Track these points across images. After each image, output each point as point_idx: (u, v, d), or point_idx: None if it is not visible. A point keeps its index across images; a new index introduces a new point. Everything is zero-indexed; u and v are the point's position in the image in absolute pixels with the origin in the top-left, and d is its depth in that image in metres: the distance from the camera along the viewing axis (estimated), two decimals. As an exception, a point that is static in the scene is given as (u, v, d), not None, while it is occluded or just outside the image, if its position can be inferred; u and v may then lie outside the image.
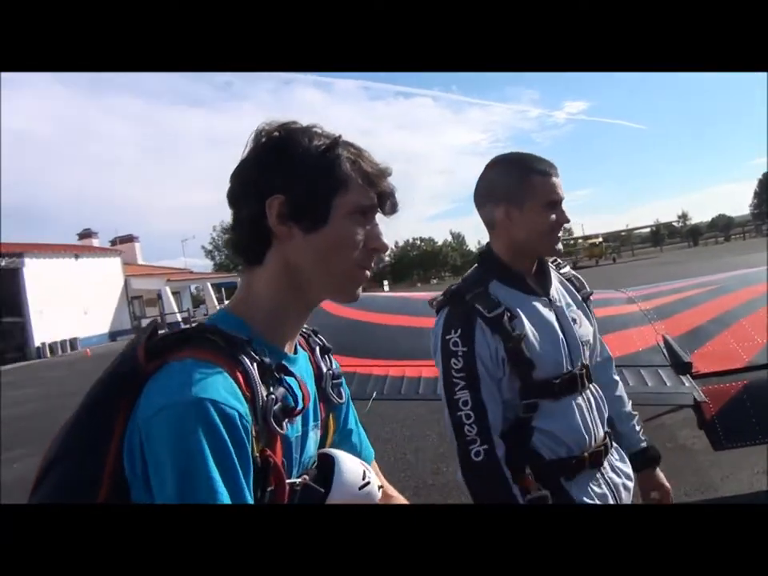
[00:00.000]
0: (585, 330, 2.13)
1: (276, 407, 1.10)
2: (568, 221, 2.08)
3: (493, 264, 2.10)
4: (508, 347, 1.94)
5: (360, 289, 1.26)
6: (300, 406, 1.15)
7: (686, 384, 2.91)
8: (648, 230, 77.60)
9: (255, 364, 1.09)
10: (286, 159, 1.16)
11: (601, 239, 58.24)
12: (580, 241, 64.67)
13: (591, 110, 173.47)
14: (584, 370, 2.06)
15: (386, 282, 71.35)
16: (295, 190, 1.15)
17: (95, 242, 45.98)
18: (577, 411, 2.02)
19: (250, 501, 1.01)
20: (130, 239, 50.23)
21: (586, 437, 2.02)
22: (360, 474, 1.28)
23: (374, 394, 3.32)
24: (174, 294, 45.59)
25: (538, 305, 2.06)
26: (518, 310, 2.00)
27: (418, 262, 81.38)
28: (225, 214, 1.21)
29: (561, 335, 2.05)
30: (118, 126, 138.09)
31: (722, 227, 75.34)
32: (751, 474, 4.72)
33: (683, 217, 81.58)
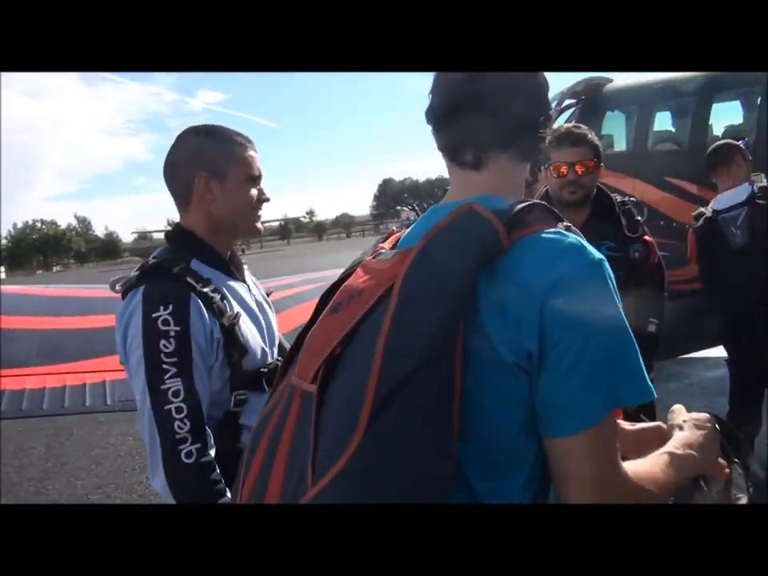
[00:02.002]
0: (275, 324, 2.03)
1: None
2: (268, 199, 1.94)
3: (190, 241, 1.87)
4: (223, 328, 1.75)
5: None
6: None
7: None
8: (277, 223, 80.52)
9: None
10: None
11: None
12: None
13: (227, 102, 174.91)
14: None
15: (1, 269, 65.36)
16: None
17: None
18: None
19: None
20: None
21: None
22: None
23: None
24: None
25: (240, 289, 1.91)
26: (225, 290, 1.81)
27: (39, 246, 75.43)
28: None
29: (263, 323, 1.93)
30: None
31: (345, 225, 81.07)
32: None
33: (310, 213, 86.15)
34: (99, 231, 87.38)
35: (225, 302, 1.77)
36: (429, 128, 1.23)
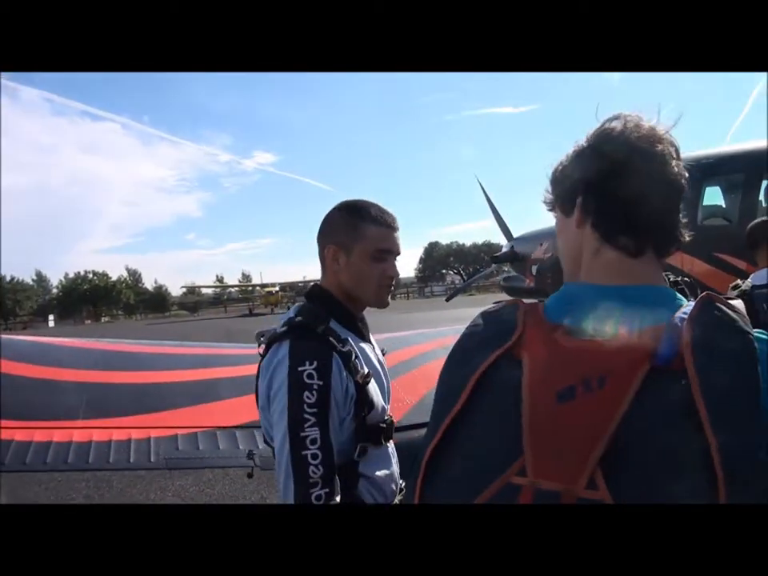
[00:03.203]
0: (389, 382, 2.19)
1: None
2: (396, 275, 2.08)
3: (328, 302, 2.06)
4: (357, 385, 1.91)
5: None
6: None
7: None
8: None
9: None
10: None
11: (278, 288, 59.75)
12: (257, 288, 66.08)
13: (280, 163, 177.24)
14: (393, 420, 2.11)
15: (51, 317, 66.58)
16: None
17: None
18: (392, 459, 2.08)
19: None
20: None
21: (395, 488, 2.06)
22: None
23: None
24: None
25: (368, 349, 2.08)
26: (357, 351, 1.98)
27: (89, 297, 76.83)
28: None
29: (384, 382, 2.10)
30: None
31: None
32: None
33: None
34: (149, 284, 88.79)
35: (357, 360, 1.94)
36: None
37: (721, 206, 8.28)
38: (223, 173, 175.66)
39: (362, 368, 1.95)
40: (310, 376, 1.81)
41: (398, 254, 2.10)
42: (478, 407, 1.10)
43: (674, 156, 1.17)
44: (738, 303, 1.09)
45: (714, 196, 8.35)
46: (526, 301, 1.22)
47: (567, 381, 1.03)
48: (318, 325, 1.92)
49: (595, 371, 1.02)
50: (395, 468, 2.08)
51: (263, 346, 1.98)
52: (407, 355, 3.82)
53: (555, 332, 1.12)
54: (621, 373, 1.01)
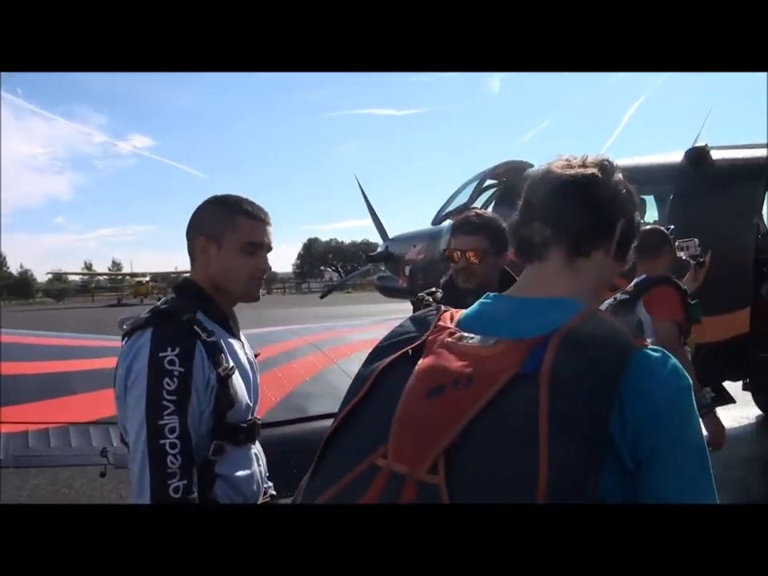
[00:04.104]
0: (259, 383, 2.14)
1: None
2: (267, 268, 2.06)
3: (196, 294, 2.00)
4: (219, 378, 1.85)
5: None
6: None
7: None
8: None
9: None
10: None
11: (149, 278, 58.08)
12: (128, 277, 64.09)
13: (156, 148, 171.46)
14: (260, 421, 2.05)
15: None
16: None
17: None
18: (254, 461, 2.01)
19: None
20: None
21: (257, 490, 2.00)
22: None
23: None
24: None
25: (236, 345, 2.03)
26: (223, 344, 1.93)
27: (-54, 281, 72.05)
28: None
29: (251, 381, 2.05)
30: None
31: (266, 281, 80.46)
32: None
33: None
34: (13, 268, 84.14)
35: (222, 354, 1.89)
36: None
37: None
38: (97, 154, 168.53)
39: (227, 362, 1.89)
40: (171, 362, 1.76)
41: (270, 248, 2.07)
42: (373, 400, 1.20)
43: (566, 173, 1.24)
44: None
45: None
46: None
47: (441, 380, 1.13)
48: (184, 313, 1.87)
49: (466, 373, 1.12)
50: (257, 470, 2.03)
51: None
52: (274, 351, 3.80)
53: (452, 337, 1.22)
54: (487, 376, 1.09)
